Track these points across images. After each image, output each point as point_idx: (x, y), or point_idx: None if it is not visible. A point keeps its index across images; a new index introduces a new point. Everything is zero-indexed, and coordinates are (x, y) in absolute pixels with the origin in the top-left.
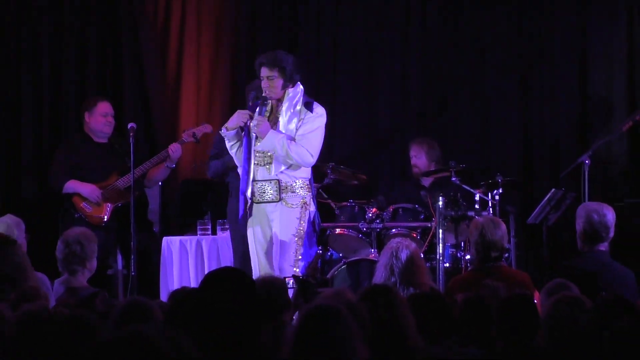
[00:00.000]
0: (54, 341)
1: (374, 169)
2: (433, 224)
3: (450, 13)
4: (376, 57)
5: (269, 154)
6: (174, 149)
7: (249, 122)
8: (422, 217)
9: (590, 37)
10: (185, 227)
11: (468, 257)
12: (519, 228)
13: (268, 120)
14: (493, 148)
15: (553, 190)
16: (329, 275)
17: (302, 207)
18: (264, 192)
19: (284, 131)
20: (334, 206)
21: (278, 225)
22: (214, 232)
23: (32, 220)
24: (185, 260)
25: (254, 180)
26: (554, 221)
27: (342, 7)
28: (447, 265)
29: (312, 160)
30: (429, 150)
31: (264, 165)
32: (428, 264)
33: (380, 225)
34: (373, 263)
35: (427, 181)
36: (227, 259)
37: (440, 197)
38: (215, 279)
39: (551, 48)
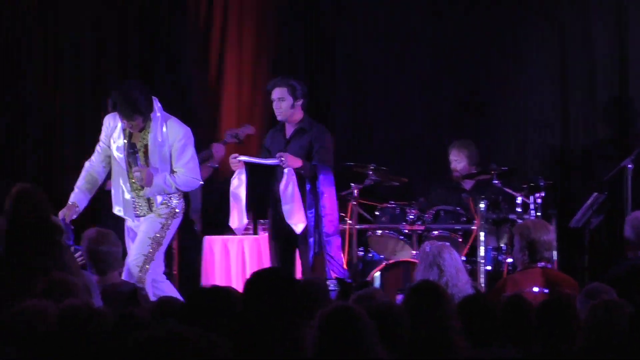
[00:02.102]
0: (96, 337)
1: (413, 170)
2: (475, 226)
3: (486, 13)
4: (412, 59)
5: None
6: (217, 149)
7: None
8: (463, 219)
9: (634, 35)
10: (227, 227)
11: (509, 260)
12: (561, 232)
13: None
14: (532, 151)
15: (595, 194)
16: (369, 277)
17: (169, 217)
18: (138, 208)
19: (158, 163)
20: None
21: (142, 227)
22: (255, 233)
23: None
24: (226, 260)
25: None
26: (596, 225)
27: (376, 8)
28: (489, 268)
29: (199, 183)
30: (470, 154)
31: (134, 190)
32: (469, 267)
33: (422, 227)
34: (414, 265)
35: (468, 184)
36: (268, 259)
37: (482, 200)
38: (258, 280)
39: (591, 48)
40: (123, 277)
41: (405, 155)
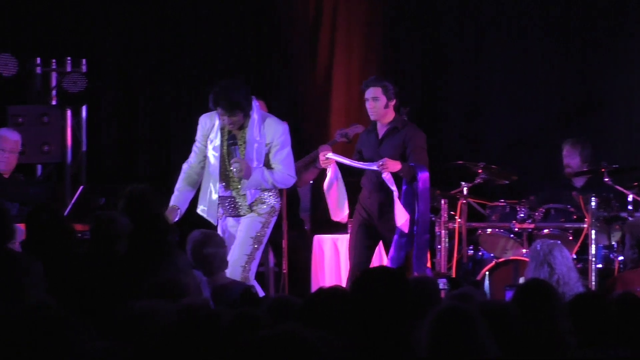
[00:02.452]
0: (213, 336)
1: (524, 169)
2: (586, 224)
3: (600, 11)
4: (526, 57)
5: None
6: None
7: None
8: (574, 217)
9: None
10: (336, 226)
11: (621, 258)
12: None
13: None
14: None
15: None
16: (479, 277)
17: (268, 216)
18: (238, 207)
19: (254, 159)
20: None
21: (242, 226)
22: None
23: None
24: (336, 259)
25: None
26: None
27: (487, 5)
28: (600, 266)
29: (294, 180)
30: (582, 150)
31: (233, 188)
32: (580, 265)
33: (532, 226)
34: (523, 263)
35: (579, 182)
36: (377, 258)
37: (593, 198)
38: (368, 279)
39: None
40: None
41: (516, 154)
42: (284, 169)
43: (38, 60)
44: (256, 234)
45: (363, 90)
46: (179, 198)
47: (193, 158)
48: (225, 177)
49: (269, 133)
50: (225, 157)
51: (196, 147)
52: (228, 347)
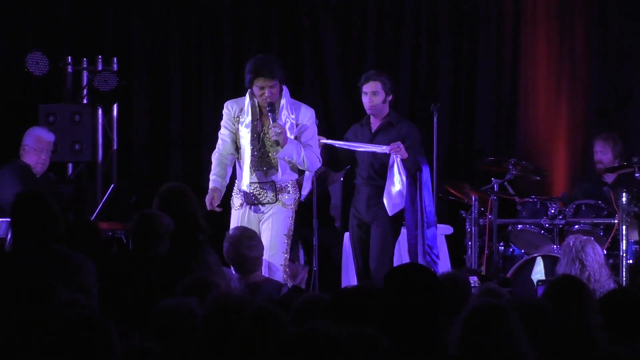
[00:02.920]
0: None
1: (555, 165)
2: (616, 220)
3: (629, 7)
4: (557, 53)
5: (269, 158)
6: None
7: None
8: (604, 213)
9: None
10: None
11: None
12: None
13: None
14: None
15: None
16: (509, 274)
17: (294, 208)
18: (263, 194)
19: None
20: (517, 201)
21: (272, 222)
22: None
23: None
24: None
25: (252, 182)
26: None
27: (522, 3)
28: (630, 262)
29: (320, 164)
30: (615, 146)
31: (261, 168)
32: (611, 261)
33: (563, 222)
34: (555, 259)
35: (610, 177)
36: (405, 255)
37: (624, 193)
38: (398, 275)
39: None
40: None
41: (548, 150)
42: (314, 149)
43: (69, 59)
44: (288, 231)
45: (361, 85)
46: (216, 181)
47: (221, 145)
48: (257, 160)
49: (299, 114)
50: (257, 137)
51: (222, 134)
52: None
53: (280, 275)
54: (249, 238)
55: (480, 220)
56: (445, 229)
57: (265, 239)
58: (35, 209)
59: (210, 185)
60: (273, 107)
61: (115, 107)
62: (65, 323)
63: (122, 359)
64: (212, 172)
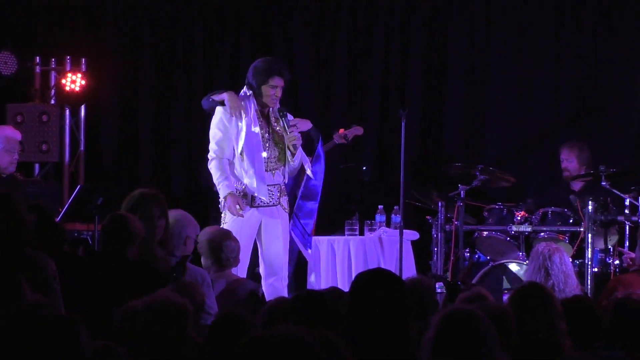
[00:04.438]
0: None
1: (523, 172)
2: (582, 228)
3: (604, 15)
4: (528, 60)
5: (275, 160)
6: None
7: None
8: (571, 221)
9: None
10: (333, 227)
11: (617, 262)
12: None
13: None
14: None
15: None
16: (474, 280)
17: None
18: (270, 197)
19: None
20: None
21: (281, 228)
22: (361, 233)
23: None
24: (332, 260)
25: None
26: None
27: (489, 5)
28: (596, 270)
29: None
30: (580, 154)
31: (270, 170)
32: (576, 269)
33: (529, 229)
34: (521, 266)
35: (577, 185)
36: (375, 260)
37: (590, 202)
38: (365, 280)
39: None
40: (267, 282)
41: (515, 157)
42: (302, 154)
43: (37, 59)
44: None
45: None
46: (230, 186)
47: (217, 150)
48: (266, 163)
49: (284, 119)
50: (266, 139)
51: (218, 139)
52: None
53: (285, 285)
54: (229, 233)
55: (447, 226)
56: (411, 235)
57: (272, 243)
58: (3, 212)
59: (225, 191)
60: (283, 111)
61: (82, 107)
62: (34, 324)
63: None
64: (218, 178)
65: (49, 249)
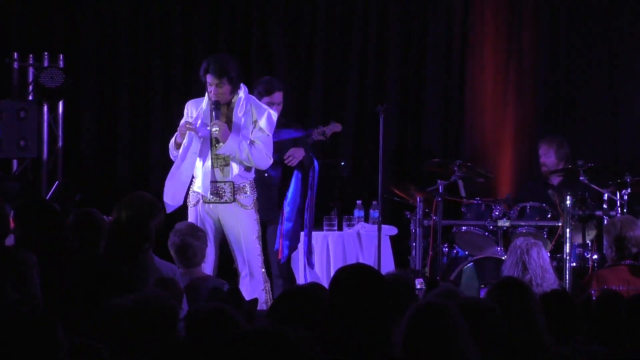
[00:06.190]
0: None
1: (501, 167)
2: (561, 223)
3: (579, 10)
4: (505, 55)
5: (224, 156)
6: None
7: (207, 126)
8: (549, 216)
9: None
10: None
11: (595, 257)
12: None
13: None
14: (622, 147)
15: None
16: (452, 277)
17: (254, 208)
18: (220, 193)
19: (239, 134)
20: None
21: (239, 227)
22: (339, 228)
23: None
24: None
25: (211, 181)
26: None
27: (471, 3)
28: (574, 264)
29: (270, 162)
30: (558, 149)
31: (218, 167)
32: (555, 263)
33: (507, 224)
34: (499, 261)
35: (555, 180)
36: (353, 255)
37: (568, 196)
38: (345, 276)
39: None
40: (244, 280)
41: (493, 152)
42: (263, 146)
43: (15, 55)
44: (258, 234)
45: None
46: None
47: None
48: (214, 158)
49: (255, 113)
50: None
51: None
52: (203, 343)
53: (260, 278)
54: (197, 230)
55: (425, 221)
56: (389, 230)
57: (234, 242)
58: None
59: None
60: (217, 105)
61: (61, 104)
62: (15, 321)
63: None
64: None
65: (54, 245)
